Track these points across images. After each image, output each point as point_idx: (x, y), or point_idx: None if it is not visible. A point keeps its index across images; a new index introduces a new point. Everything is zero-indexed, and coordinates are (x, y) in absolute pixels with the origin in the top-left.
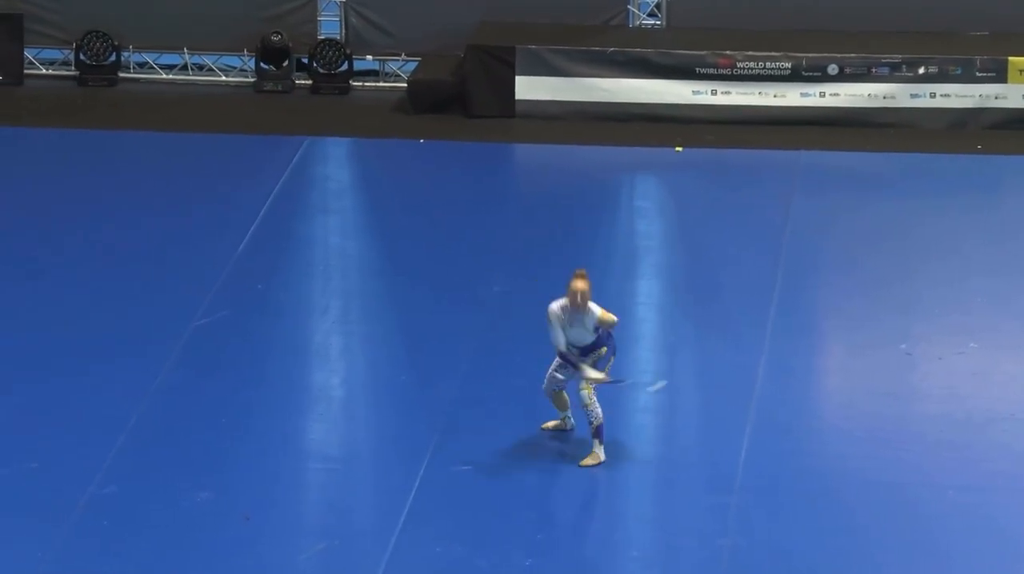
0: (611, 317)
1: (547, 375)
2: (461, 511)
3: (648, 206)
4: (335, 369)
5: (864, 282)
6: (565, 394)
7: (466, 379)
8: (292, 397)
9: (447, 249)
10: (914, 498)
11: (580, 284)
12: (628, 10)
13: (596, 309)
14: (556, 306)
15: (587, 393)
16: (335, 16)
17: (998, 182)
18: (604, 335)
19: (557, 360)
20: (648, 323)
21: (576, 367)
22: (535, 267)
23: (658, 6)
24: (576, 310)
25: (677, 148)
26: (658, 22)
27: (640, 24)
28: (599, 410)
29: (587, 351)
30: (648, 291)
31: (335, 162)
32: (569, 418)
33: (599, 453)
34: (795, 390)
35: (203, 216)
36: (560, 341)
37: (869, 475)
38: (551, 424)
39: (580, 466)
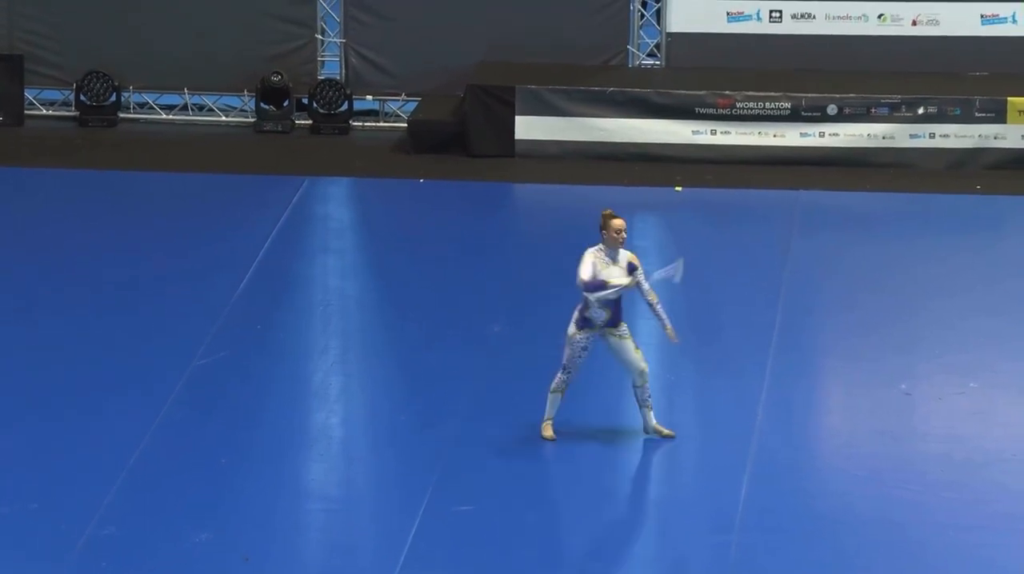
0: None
1: (566, 363)
2: (461, 551)
3: (648, 246)
4: (334, 409)
5: (864, 322)
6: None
7: (466, 419)
8: (291, 437)
9: (447, 289)
10: (915, 538)
11: (619, 220)
12: (628, 50)
13: (626, 256)
14: (592, 249)
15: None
16: (335, 56)
17: (997, 222)
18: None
19: (578, 339)
20: (649, 362)
21: (604, 286)
22: (534, 306)
23: (657, 46)
24: (613, 248)
25: (677, 188)
26: (657, 62)
27: (639, 64)
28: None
29: (613, 304)
30: (648, 330)
31: (335, 202)
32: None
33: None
34: (795, 429)
35: (203, 256)
36: (587, 274)
37: (870, 514)
38: (551, 430)
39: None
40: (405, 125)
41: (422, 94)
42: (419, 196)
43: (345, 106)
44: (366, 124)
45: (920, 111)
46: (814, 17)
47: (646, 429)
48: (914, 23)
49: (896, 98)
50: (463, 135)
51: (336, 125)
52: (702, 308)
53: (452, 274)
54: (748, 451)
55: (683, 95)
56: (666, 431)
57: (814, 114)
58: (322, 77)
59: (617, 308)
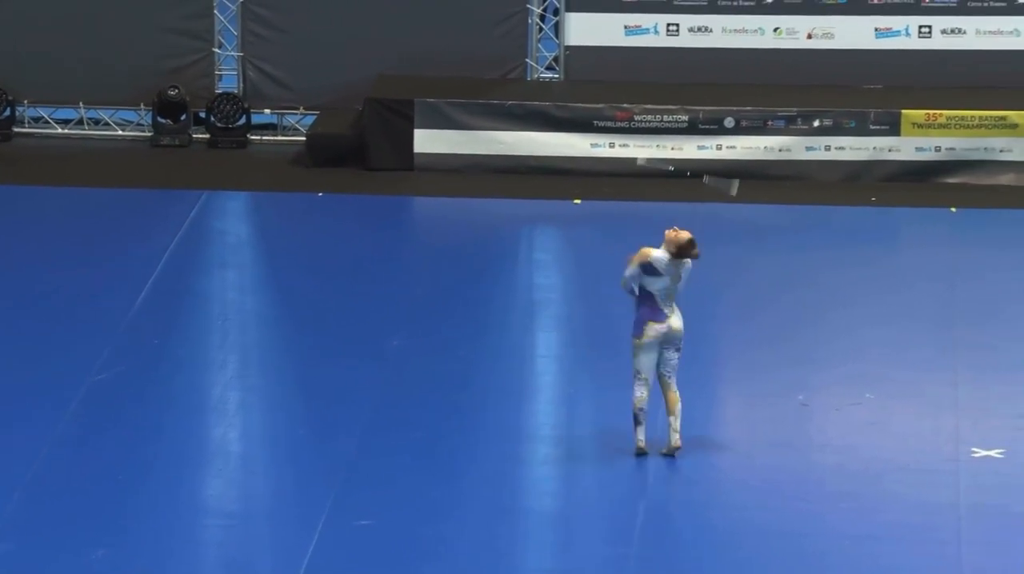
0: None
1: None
2: (360, 566)
3: (547, 258)
4: (233, 424)
5: (761, 333)
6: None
7: (365, 433)
8: (189, 452)
9: (346, 303)
10: (812, 549)
11: (686, 232)
12: (526, 63)
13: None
14: (659, 253)
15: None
16: (233, 70)
17: (892, 234)
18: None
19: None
20: (547, 375)
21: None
22: (434, 321)
23: (556, 59)
24: (681, 261)
25: (576, 201)
26: (556, 75)
27: (538, 77)
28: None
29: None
30: (547, 343)
31: (233, 216)
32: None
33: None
34: (693, 441)
35: (100, 271)
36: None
37: (767, 526)
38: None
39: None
40: (303, 139)
41: (320, 107)
42: (317, 210)
43: (243, 120)
44: (264, 138)
45: (816, 124)
46: (711, 31)
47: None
48: (809, 36)
49: (792, 111)
50: (362, 149)
51: (234, 139)
52: (601, 321)
53: (351, 288)
54: (646, 463)
55: (582, 108)
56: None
57: (711, 127)
58: (220, 91)
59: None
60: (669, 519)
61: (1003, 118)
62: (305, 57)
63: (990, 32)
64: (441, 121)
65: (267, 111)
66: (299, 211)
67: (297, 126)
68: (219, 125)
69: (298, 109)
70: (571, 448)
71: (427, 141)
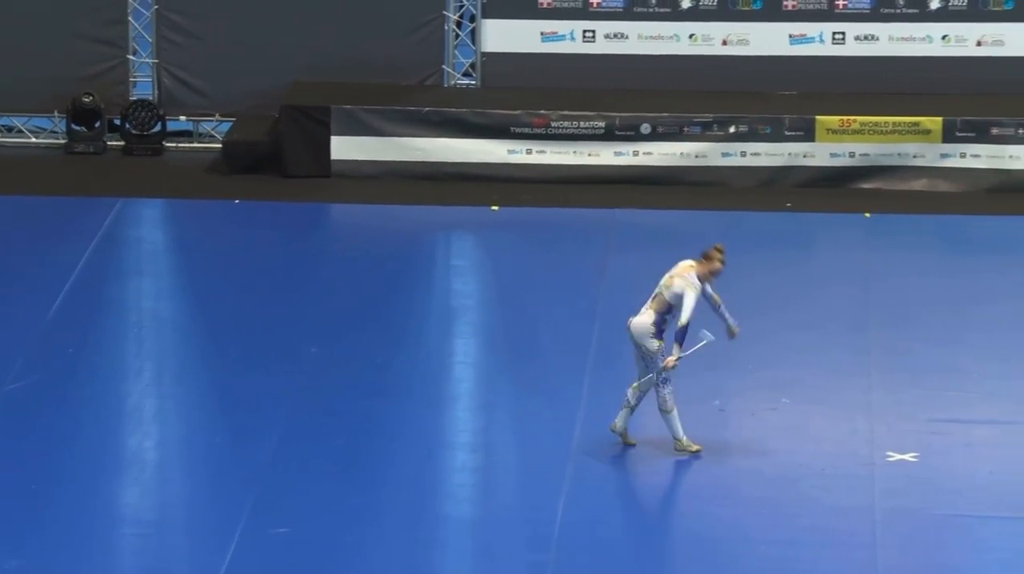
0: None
1: (667, 376)
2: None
3: (465, 265)
4: (149, 432)
5: None
6: None
7: (282, 440)
8: (105, 461)
9: (263, 310)
10: (729, 553)
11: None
12: (443, 70)
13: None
14: (696, 279)
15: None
16: (148, 77)
17: (807, 239)
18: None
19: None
20: (466, 382)
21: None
22: (351, 327)
23: (473, 66)
24: (710, 282)
25: (493, 207)
26: (473, 82)
27: (455, 84)
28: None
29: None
30: (465, 350)
31: (149, 224)
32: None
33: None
34: (612, 447)
35: (13, 279)
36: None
37: (685, 531)
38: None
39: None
40: (220, 146)
41: (236, 114)
42: (234, 217)
43: (158, 127)
44: (180, 145)
45: (731, 130)
46: (627, 37)
47: (615, 428)
48: (724, 43)
49: (708, 117)
50: (278, 155)
51: (149, 146)
52: (519, 327)
53: (268, 295)
54: (565, 469)
55: (498, 114)
56: (631, 439)
57: (628, 133)
58: (135, 98)
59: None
60: (587, 525)
61: (916, 124)
62: (221, 64)
63: (903, 39)
64: (358, 128)
65: (183, 118)
66: (215, 218)
67: (213, 133)
68: (134, 132)
69: (214, 116)
70: (489, 455)
71: (344, 148)
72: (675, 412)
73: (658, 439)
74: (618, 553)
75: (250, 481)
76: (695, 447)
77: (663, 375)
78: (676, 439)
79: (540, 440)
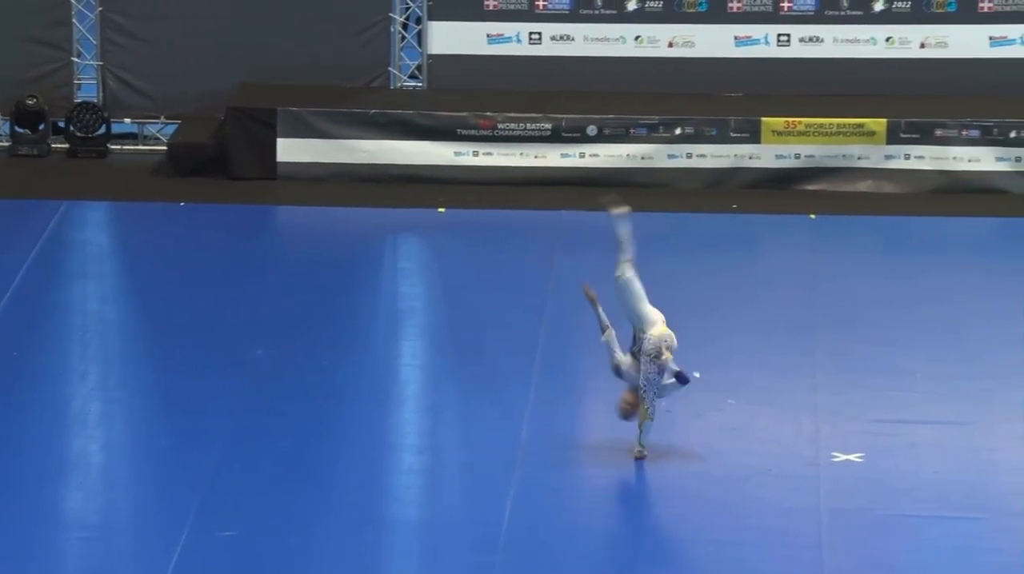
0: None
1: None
2: None
3: (411, 267)
4: (94, 435)
5: (623, 340)
6: None
7: (228, 443)
8: (50, 465)
9: (209, 313)
10: (675, 554)
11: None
12: (389, 72)
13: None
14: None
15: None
16: (92, 79)
17: (753, 240)
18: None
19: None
20: (412, 384)
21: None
22: (298, 330)
23: (419, 68)
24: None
25: (440, 209)
26: (419, 84)
27: (401, 86)
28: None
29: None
30: (412, 352)
31: (94, 226)
32: None
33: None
34: (558, 448)
35: None
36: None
37: (632, 531)
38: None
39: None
40: (165, 148)
41: (182, 117)
42: (180, 220)
43: (103, 129)
44: (125, 147)
45: (677, 131)
46: (573, 39)
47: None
48: (670, 45)
49: (654, 119)
50: (224, 158)
51: (94, 148)
52: (465, 329)
53: (214, 298)
54: (512, 471)
55: (445, 116)
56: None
57: (574, 135)
58: (79, 100)
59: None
60: (534, 526)
61: (861, 126)
62: (166, 66)
63: (847, 40)
64: (304, 130)
65: (127, 120)
66: (161, 221)
67: (158, 135)
68: (79, 135)
69: (159, 118)
70: (436, 457)
71: (290, 150)
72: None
73: (605, 441)
74: (563, 554)
75: (196, 484)
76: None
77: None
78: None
79: (487, 442)
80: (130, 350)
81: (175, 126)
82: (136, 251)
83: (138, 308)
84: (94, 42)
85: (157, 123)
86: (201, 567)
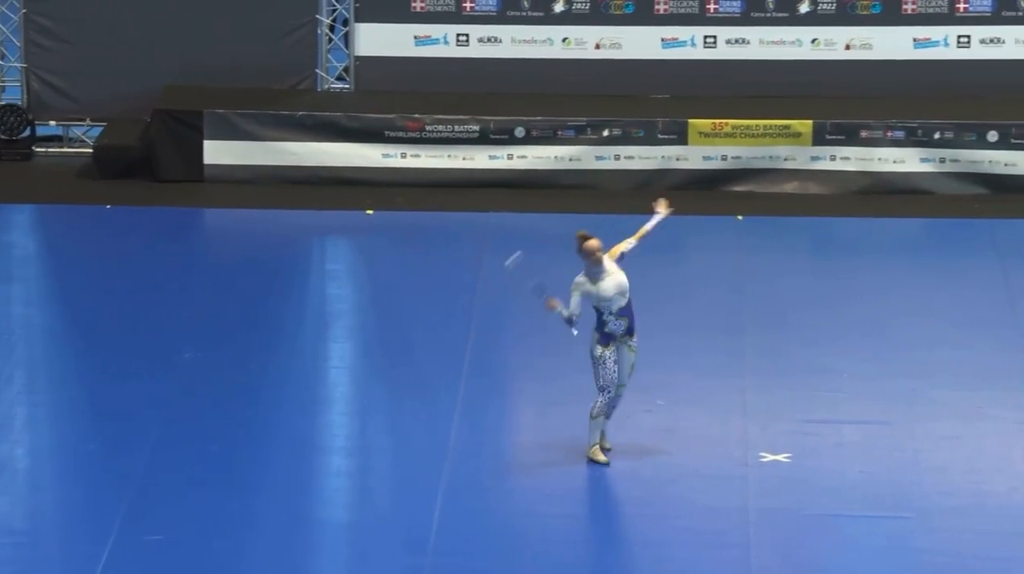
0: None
1: (603, 384)
2: None
3: (339, 269)
4: (19, 440)
5: (553, 342)
6: None
7: (157, 446)
8: None
9: (135, 316)
10: (604, 555)
11: (592, 242)
12: (316, 74)
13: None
14: (579, 277)
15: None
16: (16, 81)
17: (680, 241)
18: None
19: (607, 355)
20: (341, 387)
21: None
22: (226, 333)
23: (346, 70)
24: (596, 268)
25: (368, 211)
26: (347, 86)
27: (329, 88)
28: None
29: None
30: (340, 354)
31: (18, 229)
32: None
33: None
34: (488, 450)
35: None
36: (575, 309)
37: (560, 533)
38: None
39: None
40: (90, 151)
41: (107, 119)
42: (106, 223)
43: (27, 132)
44: (50, 150)
45: (605, 133)
46: (500, 41)
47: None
48: (597, 47)
49: (582, 120)
50: (150, 160)
51: (18, 151)
52: (394, 331)
53: (141, 301)
54: (441, 473)
55: (373, 118)
56: (603, 457)
57: (502, 137)
58: (3, 102)
59: (631, 317)
60: (463, 528)
61: (787, 127)
62: (91, 68)
63: (773, 42)
64: (231, 132)
65: (52, 123)
66: (87, 224)
67: (84, 138)
68: (3, 137)
69: (84, 120)
70: (365, 459)
71: (217, 152)
72: (600, 419)
73: (534, 442)
74: (493, 556)
75: (124, 488)
76: (603, 457)
77: (599, 382)
78: (589, 444)
79: (416, 444)
80: (56, 354)
81: (101, 128)
82: (62, 254)
83: (64, 312)
84: (18, 44)
85: (82, 125)
86: (129, 571)
